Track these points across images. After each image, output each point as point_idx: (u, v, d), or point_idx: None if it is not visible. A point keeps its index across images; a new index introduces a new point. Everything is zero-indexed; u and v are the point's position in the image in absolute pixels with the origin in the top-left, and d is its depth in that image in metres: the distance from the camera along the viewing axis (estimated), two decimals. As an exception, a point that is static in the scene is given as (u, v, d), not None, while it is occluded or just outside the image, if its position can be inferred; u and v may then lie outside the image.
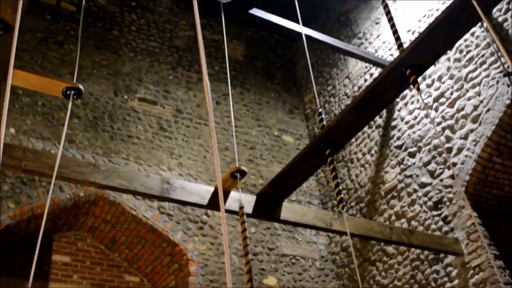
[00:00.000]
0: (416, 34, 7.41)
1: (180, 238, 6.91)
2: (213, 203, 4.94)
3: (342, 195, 4.50)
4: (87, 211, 6.92)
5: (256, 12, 7.00)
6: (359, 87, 8.33)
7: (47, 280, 6.81)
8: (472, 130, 6.41)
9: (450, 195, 6.50)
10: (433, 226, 6.58)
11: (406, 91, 7.44)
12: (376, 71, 8.08)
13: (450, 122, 6.71)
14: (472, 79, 6.56)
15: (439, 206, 6.60)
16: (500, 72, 6.22)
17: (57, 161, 3.61)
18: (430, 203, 6.71)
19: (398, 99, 7.56)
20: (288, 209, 5.34)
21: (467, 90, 6.58)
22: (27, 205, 6.23)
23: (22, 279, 6.51)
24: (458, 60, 6.80)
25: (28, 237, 6.59)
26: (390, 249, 7.10)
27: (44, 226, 6.68)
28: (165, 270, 7.10)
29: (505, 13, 6.31)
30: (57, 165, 3.63)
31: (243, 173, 4.77)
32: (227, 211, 5.04)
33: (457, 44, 6.74)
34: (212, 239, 7.07)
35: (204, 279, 6.75)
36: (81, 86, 4.09)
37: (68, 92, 4.03)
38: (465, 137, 6.47)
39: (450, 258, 6.33)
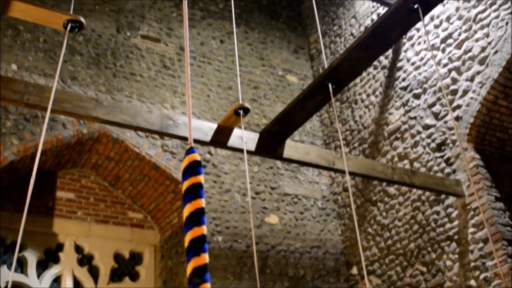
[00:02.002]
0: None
1: (183, 176, 6.95)
2: (216, 140, 4.94)
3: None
4: (91, 148, 6.94)
5: None
6: (366, 27, 8.19)
7: (51, 216, 6.91)
8: (478, 72, 6.34)
9: (454, 137, 6.49)
10: (435, 168, 6.60)
11: (413, 32, 7.32)
12: (383, 11, 7.92)
13: (456, 63, 6.62)
14: (481, 20, 6.42)
15: (442, 148, 6.60)
16: (510, 13, 6.09)
17: (52, 92, 3.57)
18: (433, 145, 6.71)
19: (404, 40, 7.45)
20: (291, 147, 5.34)
21: (475, 32, 6.47)
22: (31, 141, 6.24)
23: (28, 214, 6.58)
24: (467, 0, 6.65)
25: (31, 173, 6.63)
26: (391, 189, 7.15)
27: (48, 164, 6.74)
28: (169, 207, 7.18)
29: (519, -50, 6.12)
30: (53, 94, 3.60)
31: (246, 110, 4.75)
32: (230, 148, 5.05)
33: (467, -17, 6.58)
34: (215, 178, 7.12)
35: (207, 217, 6.83)
36: (82, 19, 4.02)
37: (70, 25, 3.97)
38: (471, 79, 6.40)
39: (451, 199, 6.38)
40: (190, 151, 1.90)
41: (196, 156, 1.87)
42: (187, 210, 1.81)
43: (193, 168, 1.86)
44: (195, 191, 1.84)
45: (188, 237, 1.74)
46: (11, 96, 4.42)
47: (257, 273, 4.63)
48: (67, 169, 7.21)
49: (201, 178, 1.85)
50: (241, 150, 5.05)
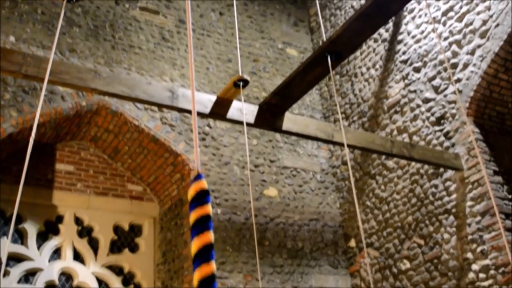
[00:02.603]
0: None
1: (182, 148, 6.96)
2: (215, 112, 4.92)
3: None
4: (90, 121, 6.93)
5: None
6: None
7: (51, 188, 6.93)
8: (479, 46, 6.30)
9: (453, 111, 6.48)
10: (435, 141, 6.61)
11: (414, 5, 7.26)
12: (384, -17, 7.83)
13: (457, 37, 6.58)
14: (482, -8, 6.37)
15: (442, 121, 6.60)
16: (512, -15, 6.03)
17: (49, 62, 3.55)
18: (432, 119, 6.71)
19: (405, 13, 7.39)
20: (290, 120, 5.33)
21: (477, 4, 6.41)
22: (29, 114, 6.23)
23: (25, 186, 6.61)
24: (469, -28, 6.58)
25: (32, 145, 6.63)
26: (390, 163, 7.17)
27: (47, 136, 6.73)
28: (168, 179, 7.20)
29: None
30: (50, 65, 3.58)
31: (245, 82, 4.73)
32: (230, 120, 5.04)
33: (469, -45, 6.51)
34: (214, 150, 7.12)
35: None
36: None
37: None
38: (472, 53, 6.36)
39: (449, 173, 6.40)
40: (197, 177, 1.85)
41: (204, 184, 1.81)
42: (195, 245, 1.77)
43: (201, 198, 1.82)
44: (203, 224, 1.79)
45: (197, 276, 1.72)
46: (9, 67, 4.40)
47: (256, 245, 4.67)
48: (66, 142, 7.22)
49: (209, 208, 1.80)
50: (240, 123, 5.04)
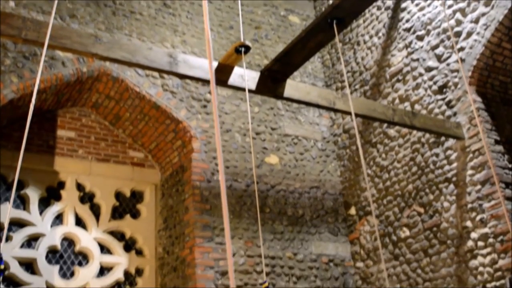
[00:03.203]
0: None
1: (183, 115, 6.96)
2: (217, 78, 4.90)
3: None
4: (91, 87, 6.91)
5: None
6: (370, -33, 8.00)
7: (53, 154, 6.95)
8: (483, 14, 6.23)
9: (456, 80, 6.45)
10: (436, 110, 6.59)
11: (419, -29, 7.16)
12: (388, -50, 7.73)
13: (461, 4, 6.51)
14: (488, -41, 6.27)
15: (444, 90, 6.57)
16: (519, -48, 5.94)
17: (49, 26, 3.52)
18: (435, 87, 6.68)
19: (409, -20, 7.29)
20: (292, 87, 5.31)
21: (482, -29, 6.32)
22: (30, 79, 6.20)
23: (27, 152, 6.64)
24: None
25: (32, 111, 6.62)
26: (391, 131, 7.17)
27: (48, 102, 6.72)
28: (169, 146, 7.21)
29: None
30: (50, 28, 3.55)
31: (247, 48, 4.70)
32: (231, 86, 5.02)
33: None
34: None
35: (207, 156, 6.87)
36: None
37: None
38: (476, 21, 6.30)
39: (450, 142, 6.40)
40: None
41: None
42: None
43: None
44: None
45: None
46: (8, 32, 4.36)
47: (258, 212, 4.69)
48: (68, 108, 7.21)
49: None
50: (242, 89, 5.02)
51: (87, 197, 7.10)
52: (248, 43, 4.73)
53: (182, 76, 4.92)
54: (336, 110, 5.62)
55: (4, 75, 6.03)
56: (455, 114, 6.40)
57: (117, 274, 6.88)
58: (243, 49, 4.68)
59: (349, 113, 5.57)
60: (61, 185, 6.99)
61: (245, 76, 4.91)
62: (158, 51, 4.86)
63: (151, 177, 7.48)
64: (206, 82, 5.04)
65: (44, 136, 6.93)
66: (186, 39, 7.43)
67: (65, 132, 7.12)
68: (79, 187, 7.08)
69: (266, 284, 4.03)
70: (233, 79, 4.96)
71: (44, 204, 6.82)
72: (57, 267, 6.58)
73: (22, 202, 6.72)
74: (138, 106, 7.01)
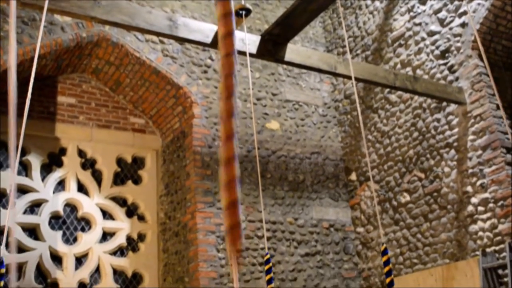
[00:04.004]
0: None
1: (184, 81, 6.92)
2: (217, 42, 4.84)
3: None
4: (90, 53, 6.87)
5: None
6: None
7: (53, 120, 6.94)
8: (487, -23, 6.14)
9: (458, 44, 6.39)
10: (438, 75, 6.55)
11: None
12: None
13: (465, -33, 6.41)
14: None
15: (446, 55, 6.52)
16: None
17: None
18: (437, 52, 6.62)
19: None
20: (293, 51, 5.27)
21: None
22: (29, 45, 6.16)
23: (28, 119, 6.60)
24: None
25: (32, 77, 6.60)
26: (393, 97, 7.14)
27: (48, 68, 6.68)
28: (170, 112, 7.19)
29: None
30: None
31: (248, 11, 4.65)
32: (231, 50, 4.97)
33: None
34: (216, 83, 7.08)
35: (208, 122, 6.86)
36: None
37: None
38: (480, -16, 6.21)
39: (452, 107, 6.37)
40: None
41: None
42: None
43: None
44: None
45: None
46: (7, -6, 4.31)
47: (259, 177, 4.70)
48: (68, 74, 7.17)
49: None
50: (242, 53, 4.98)
51: (88, 164, 7.12)
52: (248, 6, 4.67)
53: (182, 40, 4.88)
54: (337, 75, 5.58)
55: (4, 40, 5.99)
56: (457, 79, 6.36)
57: (120, 240, 6.94)
58: (243, 12, 4.62)
59: (350, 78, 5.53)
60: (63, 151, 6.99)
61: (245, 39, 4.86)
62: (158, 14, 4.81)
63: (152, 143, 7.48)
64: (206, 46, 4.99)
65: (44, 103, 6.91)
66: (186, 4, 7.34)
67: (65, 98, 7.10)
68: (81, 153, 7.09)
69: (268, 256, 4.07)
70: (234, 43, 4.91)
71: (46, 170, 6.84)
72: (60, 233, 6.63)
73: (24, 169, 6.74)
74: (138, 72, 6.97)
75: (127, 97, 7.36)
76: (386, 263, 4.05)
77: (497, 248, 5.68)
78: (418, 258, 6.53)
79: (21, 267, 6.25)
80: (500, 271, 5.61)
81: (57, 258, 6.54)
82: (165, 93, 7.06)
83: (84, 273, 6.61)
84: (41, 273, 6.41)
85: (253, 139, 6.97)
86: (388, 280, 3.91)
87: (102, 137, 7.18)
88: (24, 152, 6.72)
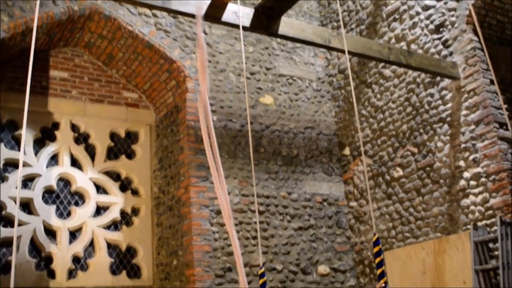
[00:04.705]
0: None
1: (177, 55, 6.88)
2: (210, 14, 4.81)
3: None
4: (83, 26, 6.80)
5: None
6: None
7: (46, 95, 6.90)
8: (483, -51, 6.10)
9: (453, 19, 6.36)
10: (432, 50, 6.53)
11: None
12: None
13: None
14: None
15: (441, 29, 6.49)
16: None
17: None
18: (431, 26, 6.59)
19: None
20: (287, 24, 5.23)
21: None
22: (21, 18, 6.09)
23: (20, 93, 6.59)
24: None
25: (24, 51, 6.55)
26: (387, 71, 7.12)
27: (40, 42, 6.62)
28: (163, 86, 7.16)
29: None
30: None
31: (241, -17, 4.59)
32: (224, 23, 4.94)
33: None
34: (209, 57, 7.04)
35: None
36: None
37: None
38: (475, -43, 6.16)
39: (446, 82, 6.37)
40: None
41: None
42: None
43: None
44: None
45: None
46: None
47: (251, 152, 4.70)
48: (60, 48, 7.12)
49: None
50: (235, 26, 4.95)
51: (82, 138, 7.10)
52: (242, -22, 4.62)
53: (175, 12, 4.83)
54: (331, 48, 5.56)
55: (-2, 12, 5.92)
56: (451, 53, 6.35)
57: (114, 214, 6.96)
58: (237, -16, 4.57)
59: (344, 51, 5.50)
60: (56, 126, 6.97)
61: (239, 12, 4.82)
62: (150, -14, 4.75)
63: (146, 117, 7.46)
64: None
65: (37, 77, 6.86)
66: (179, -23, 7.26)
67: (58, 72, 7.05)
68: (74, 128, 7.06)
69: (262, 270, 4.15)
70: (227, 16, 4.88)
71: (39, 145, 6.82)
72: (53, 207, 6.64)
73: (17, 143, 6.71)
74: (131, 46, 6.92)
75: (120, 71, 7.32)
76: (378, 253, 4.08)
77: (488, 222, 5.74)
78: (410, 232, 6.59)
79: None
80: (491, 245, 5.66)
81: (51, 232, 6.56)
82: (158, 67, 7.02)
83: (78, 247, 6.64)
84: (35, 247, 6.43)
85: (247, 113, 6.96)
86: (379, 271, 3.95)
87: (95, 112, 7.16)
88: (16, 127, 6.69)
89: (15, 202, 6.39)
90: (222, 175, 1.76)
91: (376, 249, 4.12)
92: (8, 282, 5.98)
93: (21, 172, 3.70)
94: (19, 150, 6.67)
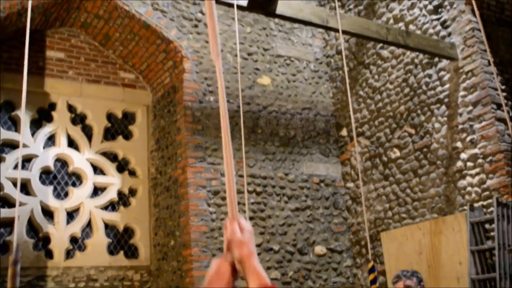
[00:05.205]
0: None
1: (174, 35, 6.83)
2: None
3: None
4: (79, 6, 6.75)
5: None
6: None
7: (43, 75, 6.87)
8: None
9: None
10: (431, 31, 6.50)
11: None
12: None
13: None
14: None
15: (439, 10, 6.45)
16: None
17: None
18: (430, 7, 6.55)
19: None
20: (284, 4, 5.19)
21: None
22: (16, -2, 6.04)
23: (17, 73, 6.56)
24: None
25: (20, 31, 6.50)
26: (385, 52, 7.09)
27: (36, 22, 6.57)
28: (160, 67, 7.13)
29: None
30: None
31: (238, -38, 4.55)
32: (221, 2, 4.90)
33: None
34: (206, 37, 7.00)
35: (199, 76, 6.80)
36: None
37: None
38: None
39: (444, 63, 6.35)
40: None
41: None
42: None
43: None
44: None
45: None
46: None
47: (242, 131, 4.69)
48: (56, 28, 7.07)
49: None
50: (232, 5, 4.91)
51: (78, 119, 7.08)
52: (239, -43, 4.58)
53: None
54: (328, 28, 5.52)
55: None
56: (449, 34, 6.32)
57: (111, 194, 6.97)
58: (234, -37, 4.53)
59: (342, 32, 5.47)
60: (52, 106, 6.95)
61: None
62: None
63: (143, 98, 7.44)
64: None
65: (33, 57, 6.80)
66: (176, -44, 7.19)
67: (54, 53, 7.01)
68: (70, 108, 7.04)
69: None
70: (224, -5, 4.84)
71: (35, 125, 6.80)
72: (51, 188, 6.65)
73: (14, 124, 6.70)
74: (127, 26, 6.87)
75: (117, 52, 7.28)
76: (373, 281, 4.10)
77: (484, 203, 5.75)
78: (406, 213, 6.61)
79: (12, 222, 6.27)
80: (487, 226, 5.69)
81: (48, 213, 6.57)
82: (155, 47, 6.97)
83: (76, 227, 6.66)
84: (32, 227, 6.44)
85: (244, 94, 6.93)
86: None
87: (92, 92, 7.13)
88: (13, 107, 6.67)
89: (13, 183, 6.40)
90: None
91: (371, 277, 4.14)
92: (7, 262, 5.99)
93: (21, 154, 3.69)
94: (16, 131, 6.66)
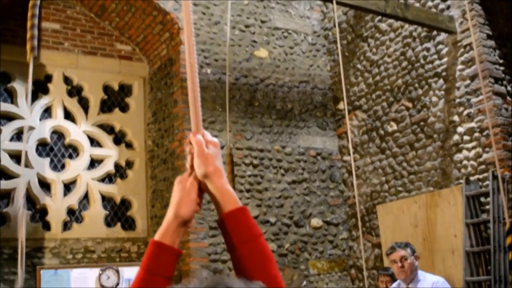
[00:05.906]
0: None
1: (171, 6, 6.76)
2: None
3: None
4: (74, -24, 6.67)
5: None
6: None
7: (38, 47, 6.79)
8: None
9: (451, -29, 6.26)
10: (430, 3, 6.45)
11: None
12: None
13: None
14: None
15: (438, -18, 6.40)
16: None
17: None
18: (429, -21, 6.50)
19: None
20: (282, -25, 5.14)
21: None
22: (11, -33, 5.96)
23: (12, 45, 6.52)
24: None
25: (15, 2, 6.43)
26: (383, 25, 7.05)
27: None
28: (157, 39, 7.07)
29: None
30: None
31: None
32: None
33: None
34: (204, 9, 6.94)
35: (196, 48, 6.75)
36: None
37: None
38: None
39: (442, 36, 6.31)
40: None
41: None
42: None
43: None
44: None
45: None
46: None
47: (227, 106, 4.67)
48: (51, -1, 6.99)
49: None
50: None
51: (75, 91, 7.04)
52: None
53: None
54: (326, 0, 5.47)
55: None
56: (448, 7, 6.27)
57: (108, 167, 6.97)
58: None
59: (340, 3, 5.43)
60: (48, 78, 6.90)
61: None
62: None
63: (139, 70, 7.40)
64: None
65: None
66: None
67: (49, 24, 6.94)
68: (67, 80, 7.00)
69: None
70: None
71: (32, 97, 6.76)
72: (47, 160, 6.64)
73: (10, 96, 6.66)
74: (124, -4, 6.80)
75: (113, 23, 7.21)
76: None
77: (480, 176, 5.78)
78: (403, 186, 6.64)
79: (9, 194, 6.28)
80: (482, 199, 5.73)
81: (45, 185, 6.58)
82: (151, 19, 6.91)
83: (73, 199, 6.67)
84: (29, 199, 6.45)
85: (241, 66, 6.90)
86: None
87: (88, 64, 7.08)
88: (9, 79, 6.63)
89: (9, 154, 6.39)
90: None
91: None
92: (5, 233, 6.03)
93: (26, 131, 3.67)
94: (12, 102, 6.63)
